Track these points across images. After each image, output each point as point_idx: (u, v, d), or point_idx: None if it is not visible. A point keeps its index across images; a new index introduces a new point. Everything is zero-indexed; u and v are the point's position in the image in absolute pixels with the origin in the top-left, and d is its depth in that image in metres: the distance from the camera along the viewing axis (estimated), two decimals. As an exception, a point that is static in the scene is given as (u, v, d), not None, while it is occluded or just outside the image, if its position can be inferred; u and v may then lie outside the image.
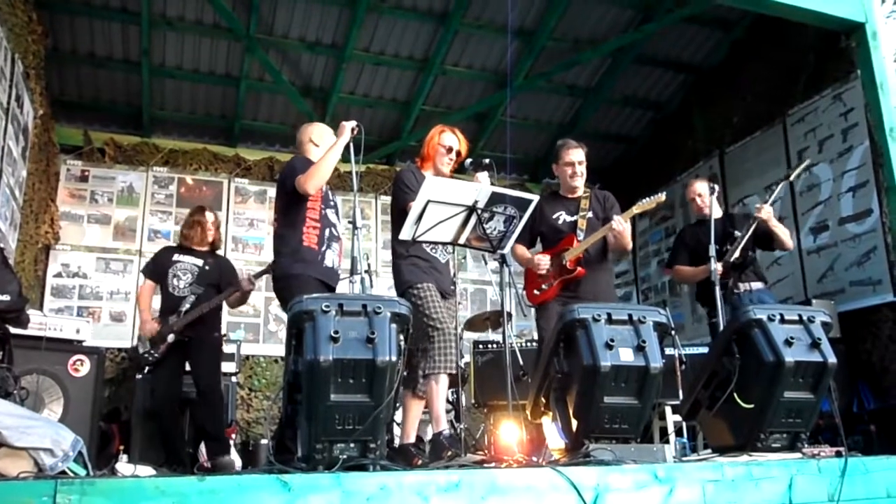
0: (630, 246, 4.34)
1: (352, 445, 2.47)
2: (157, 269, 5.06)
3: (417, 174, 3.93)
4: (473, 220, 3.34)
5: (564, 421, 2.97)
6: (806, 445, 3.06)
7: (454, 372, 3.69)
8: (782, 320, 2.97)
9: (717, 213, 4.84)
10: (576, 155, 4.32)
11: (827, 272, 5.87)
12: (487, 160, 3.83)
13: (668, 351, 3.06)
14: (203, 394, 4.83)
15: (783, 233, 4.83)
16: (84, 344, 4.97)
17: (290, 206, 3.89)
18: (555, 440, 3.20)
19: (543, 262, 4.17)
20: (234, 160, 7.56)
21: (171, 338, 4.78)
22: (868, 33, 4.81)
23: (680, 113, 7.76)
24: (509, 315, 4.82)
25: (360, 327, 2.46)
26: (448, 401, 5.59)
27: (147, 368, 4.91)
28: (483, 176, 3.76)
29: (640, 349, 2.83)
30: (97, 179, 7.06)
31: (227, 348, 5.71)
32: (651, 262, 8.07)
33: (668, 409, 5.24)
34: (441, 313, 3.68)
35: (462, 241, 3.45)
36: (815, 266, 5.99)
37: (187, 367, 4.94)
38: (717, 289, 4.39)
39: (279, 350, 6.83)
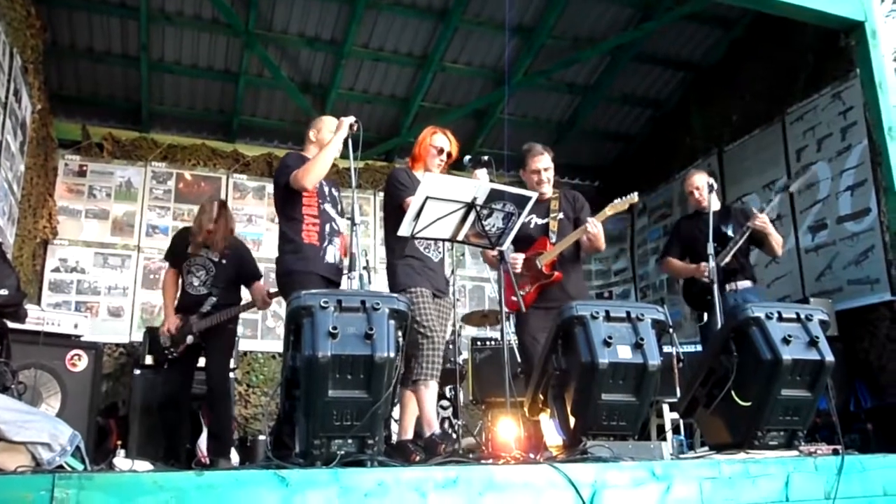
0: (604, 247, 4.22)
1: (350, 441, 2.46)
2: (176, 256, 4.86)
3: (410, 174, 3.94)
4: (472, 216, 3.34)
5: (562, 418, 2.97)
6: (803, 443, 3.07)
7: (439, 378, 3.70)
8: (780, 318, 2.97)
9: (715, 205, 4.83)
10: (542, 162, 4.22)
11: (825, 271, 5.88)
12: (486, 157, 3.84)
13: (666, 349, 3.06)
14: (213, 391, 4.71)
15: (776, 242, 4.77)
16: (82, 339, 4.96)
17: (286, 202, 3.90)
18: (552, 437, 3.20)
19: (519, 259, 4.06)
20: (233, 156, 7.56)
21: (190, 339, 4.66)
22: (867, 32, 4.81)
23: (679, 111, 7.76)
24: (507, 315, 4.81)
25: (358, 323, 2.46)
26: (446, 397, 5.62)
27: (166, 364, 4.80)
28: (482, 173, 3.77)
29: (638, 346, 2.83)
30: (95, 174, 7.05)
31: (227, 344, 5.70)
32: (649, 260, 8.07)
33: (665, 407, 5.25)
34: (431, 320, 3.68)
35: (461, 237, 3.45)
36: (814, 264, 5.99)
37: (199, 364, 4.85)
38: (716, 285, 4.38)
39: (277, 346, 6.83)
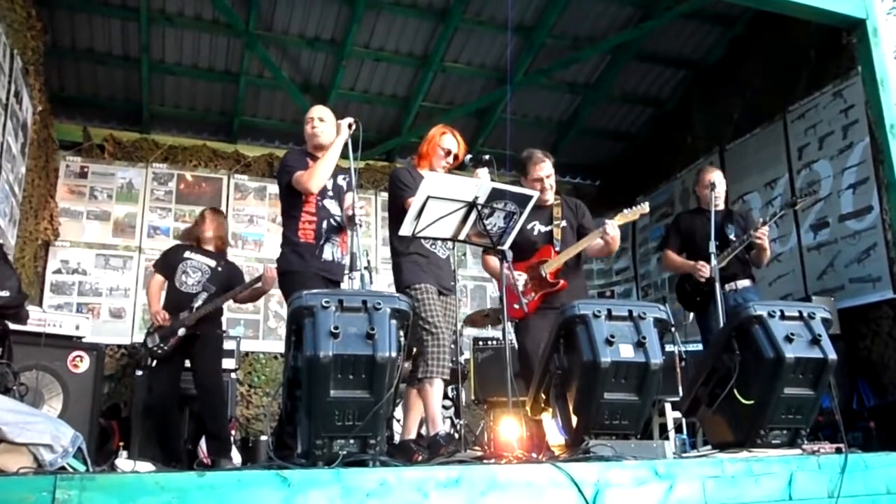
0: (617, 247, 4.17)
1: (351, 441, 2.46)
2: (167, 265, 5.07)
3: (414, 173, 3.93)
4: (473, 215, 3.33)
5: (564, 417, 2.97)
6: (806, 442, 3.06)
7: (447, 377, 3.68)
8: (783, 317, 2.97)
9: (721, 205, 4.82)
10: (544, 170, 4.15)
11: (827, 269, 5.87)
12: (487, 156, 3.84)
13: (668, 348, 3.05)
14: (204, 391, 4.79)
15: (766, 255, 4.78)
16: (83, 340, 4.97)
17: (287, 200, 3.95)
18: (555, 436, 3.20)
19: (521, 280, 3.95)
20: (234, 156, 7.56)
21: (181, 331, 4.76)
22: (869, 30, 4.81)
23: (680, 110, 7.75)
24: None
25: (360, 323, 2.46)
26: (448, 397, 5.61)
27: (154, 363, 4.88)
28: (483, 172, 3.77)
29: (640, 345, 2.83)
30: (96, 176, 7.05)
31: (227, 345, 5.70)
32: (651, 259, 8.06)
33: (667, 406, 5.24)
34: (437, 317, 3.67)
35: (462, 237, 3.44)
36: (816, 263, 5.98)
37: (187, 364, 4.93)
38: (717, 286, 4.37)
39: (279, 346, 6.83)
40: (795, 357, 2.87)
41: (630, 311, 2.92)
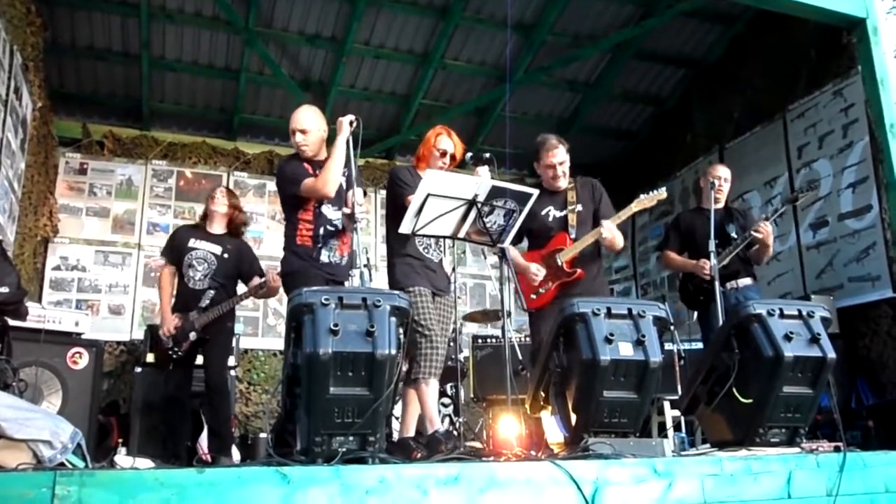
0: (621, 246, 4.13)
1: (351, 439, 2.46)
2: (175, 252, 4.86)
3: (413, 172, 3.93)
4: (473, 213, 3.34)
5: (563, 415, 2.97)
6: (805, 441, 3.06)
7: (439, 375, 3.69)
8: (782, 315, 2.97)
9: (722, 203, 4.81)
10: (557, 156, 4.11)
11: (826, 268, 5.88)
12: (488, 154, 3.83)
13: (667, 346, 3.06)
14: (211, 389, 4.71)
15: (768, 252, 4.75)
16: (83, 337, 4.96)
17: (286, 206, 3.96)
18: (554, 434, 3.20)
19: (540, 274, 4.00)
20: (234, 153, 7.56)
21: (193, 335, 4.66)
22: (869, 29, 4.82)
23: (680, 108, 7.75)
24: (508, 313, 4.81)
25: (359, 320, 2.46)
26: (447, 395, 5.61)
27: (171, 366, 4.77)
28: (483, 170, 3.76)
29: (639, 343, 2.83)
30: (96, 172, 7.05)
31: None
32: (650, 258, 8.07)
33: (666, 405, 5.24)
34: (430, 319, 3.68)
35: (462, 234, 3.44)
36: (815, 262, 5.99)
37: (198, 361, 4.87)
38: (717, 281, 4.36)
39: (278, 344, 6.83)
40: (794, 356, 2.87)
41: (629, 310, 2.92)
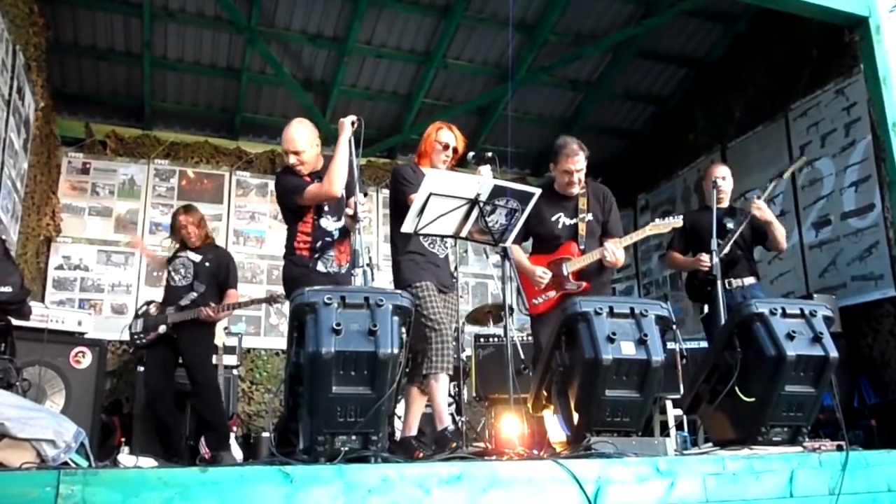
0: (622, 264, 4.10)
1: (353, 438, 2.47)
2: (168, 260, 5.29)
3: (416, 170, 3.92)
4: (475, 213, 3.34)
5: (566, 414, 2.97)
6: (807, 440, 3.06)
7: (451, 372, 3.70)
8: (784, 314, 2.97)
9: (725, 203, 4.80)
10: (576, 164, 3.98)
11: (829, 267, 5.87)
12: (490, 154, 3.83)
13: (669, 345, 3.05)
14: (198, 386, 4.94)
15: (779, 230, 4.67)
16: (86, 336, 4.98)
17: (286, 215, 3.98)
18: (556, 433, 3.20)
19: (545, 278, 3.96)
20: (236, 153, 7.56)
21: (162, 328, 4.91)
22: (871, 28, 4.81)
23: (682, 107, 7.74)
24: (511, 309, 4.80)
25: (362, 320, 2.46)
26: (449, 394, 5.61)
27: (140, 354, 5.12)
28: (485, 169, 3.76)
29: (641, 342, 2.83)
30: (98, 172, 7.06)
31: (229, 341, 5.74)
32: (652, 257, 8.06)
33: (668, 404, 5.24)
34: (439, 313, 3.68)
35: (464, 234, 3.44)
36: (817, 261, 5.98)
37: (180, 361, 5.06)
38: (719, 282, 4.34)
39: (280, 343, 6.84)
40: (797, 355, 2.87)
41: (632, 309, 2.92)
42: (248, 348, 6.86)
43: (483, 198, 3.30)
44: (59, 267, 6.72)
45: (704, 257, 4.59)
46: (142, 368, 5.54)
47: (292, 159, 3.85)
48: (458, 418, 5.27)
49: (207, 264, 5.15)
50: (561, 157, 4.05)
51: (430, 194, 3.19)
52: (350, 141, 3.71)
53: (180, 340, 4.94)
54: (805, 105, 6.20)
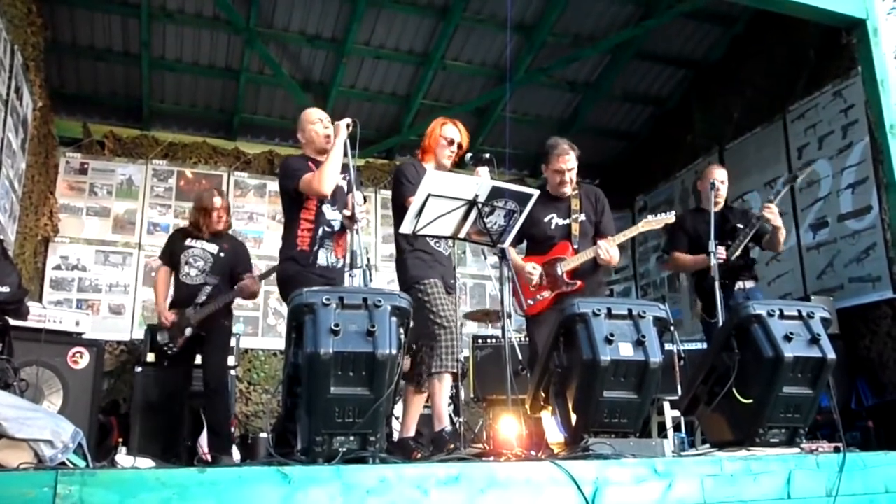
0: (616, 264, 4.12)
1: (351, 438, 2.47)
2: (171, 253, 4.97)
3: (419, 167, 3.90)
4: (474, 214, 3.34)
5: (563, 415, 2.97)
6: (805, 441, 3.07)
7: (456, 371, 3.69)
8: (782, 316, 2.97)
9: (719, 206, 4.80)
10: (568, 162, 4.06)
11: (826, 269, 5.88)
12: (488, 155, 3.82)
13: (667, 347, 3.06)
14: (210, 387, 4.73)
15: (782, 234, 4.67)
16: (83, 336, 4.97)
17: (289, 206, 3.93)
18: (554, 434, 3.20)
19: (535, 273, 3.99)
20: (234, 153, 7.55)
21: (188, 331, 4.72)
22: (869, 30, 4.83)
23: (680, 109, 7.76)
24: (509, 314, 4.80)
25: (360, 320, 2.46)
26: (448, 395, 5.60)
27: (166, 362, 4.84)
28: (483, 170, 3.75)
29: (639, 344, 2.83)
30: (96, 172, 7.06)
31: (228, 341, 5.71)
32: (650, 258, 8.07)
33: (666, 405, 5.25)
34: (448, 311, 3.67)
35: (462, 235, 3.44)
36: (815, 262, 5.99)
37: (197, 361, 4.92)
38: (717, 282, 4.32)
39: (278, 343, 6.84)
40: (794, 356, 2.87)
41: (630, 310, 2.92)
42: (246, 349, 6.86)
43: (481, 199, 3.30)
44: (57, 267, 6.71)
45: (720, 250, 4.52)
46: (139, 369, 5.55)
47: (327, 123, 3.94)
48: (456, 419, 5.28)
49: (223, 255, 4.93)
50: (552, 157, 4.11)
51: (429, 195, 3.19)
52: (346, 143, 3.71)
53: (204, 341, 4.77)
54: (803, 107, 6.21)
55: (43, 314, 4.71)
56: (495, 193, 3.32)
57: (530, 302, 4.07)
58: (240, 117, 7.42)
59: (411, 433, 3.80)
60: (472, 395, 5.91)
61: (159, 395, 5.09)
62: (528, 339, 4.28)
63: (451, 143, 3.93)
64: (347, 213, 3.82)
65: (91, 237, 6.88)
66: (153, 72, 6.79)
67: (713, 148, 7.23)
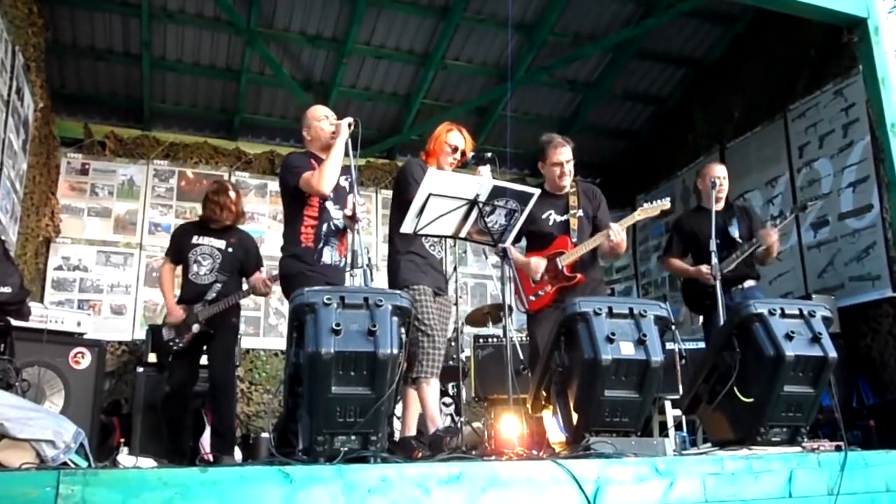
0: (624, 251, 4.15)
1: (353, 438, 2.47)
2: (177, 250, 4.91)
3: (425, 167, 3.90)
4: (475, 213, 3.34)
5: (565, 414, 2.97)
6: (806, 440, 3.07)
7: (437, 375, 3.70)
8: (783, 314, 2.97)
9: (720, 204, 4.79)
10: (564, 154, 4.15)
11: (827, 267, 5.88)
12: (489, 154, 3.84)
13: (668, 346, 3.06)
14: (216, 387, 4.72)
15: (773, 256, 4.75)
16: (85, 337, 4.97)
17: (290, 202, 3.91)
18: (555, 434, 3.21)
19: (540, 267, 4.04)
20: (235, 154, 7.56)
21: (196, 328, 4.70)
22: (870, 28, 4.83)
23: (681, 108, 7.76)
24: (510, 308, 4.80)
25: (361, 320, 2.46)
26: (449, 395, 5.61)
27: (171, 358, 4.81)
28: (485, 170, 3.77)
29: (640, 343, 2.83)
30: (97, 172, 7.06)
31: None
32: (651, 257, 8.07)
33: (667, 404, 5.25)
34: (433, 318, 3.69)
35: (463, 234, 3.45)
36: (816, 261, 5.99)
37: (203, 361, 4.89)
38: (719, 287, 4.29)
39: (279, 344, 6.84)
40: (795, 355, 2.87)
41: (631, 309, 2.92)
42: (248, 349, 6.86)
43: (482, 198, 3.30)
44: (59, 268, 6.71)
45: (707, 269, 4.53)
46: (140, 369, 5.55)
47: (333, 119, 3.95)
48: (457, 419, 5.28)
49: (231, 250, 4.86)
50: (549, 151, 4.19)
51: (430, 195, 3.20)
52: (347, 143, 3.71)
53: (210, 339, 4.74)
54: (804, 106, 6.21)
55: (45, 315, 4.72)
56: (496, 193, 3.33)
57: (532, 298, 4.09)
58: (241, 117, 7.42)
59: (412, 432, 3.81)
60: (473, 395, 5.91)
61: (163, 393, 5.06)
62: (528, 337, 4.29)
63: (455, 150, 3.96)
64: (348, 212, 3.82)
65: (92, 238, 6.88)
66: (154, 72, 6.79)
67: (714, 147, 7.23)
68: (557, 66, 7.14)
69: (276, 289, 4.65)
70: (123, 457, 4.50)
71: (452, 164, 3.97)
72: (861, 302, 5.55)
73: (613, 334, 2.80)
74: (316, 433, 2.44)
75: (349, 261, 3.80)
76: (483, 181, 3.35)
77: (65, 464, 2.47)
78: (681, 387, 4.67)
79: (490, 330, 6.24)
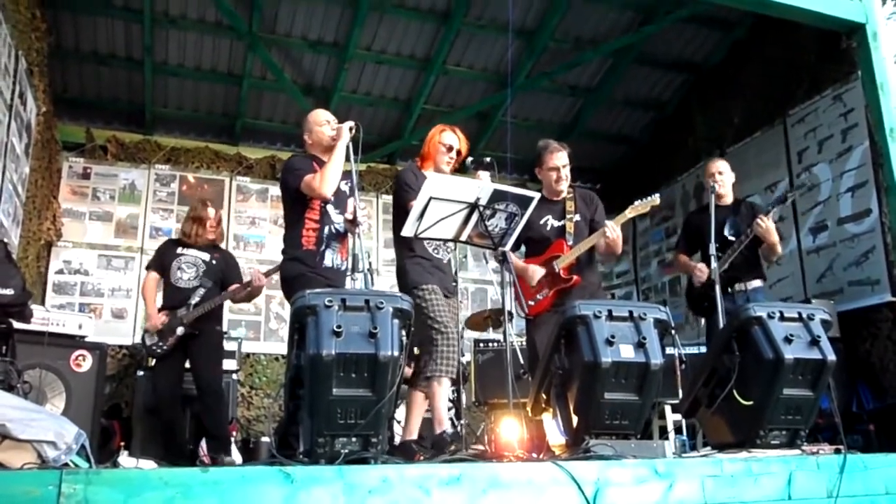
0: (620, 250, 4.19)
1: (354, 440, 2.47)
2: (160, 263, 5.08)
3: (418, 173, 3.94)
4: (475, 217, 3.35)
5: (565, 417, 2.98)
6: (805, 444, 3.07)
7: (454, 377, 3.71)
8: (782, 318, 2.98)
9: (728, 199, 4.80)
10: (560, 159, 4.22)
11: (826, 272, 5.89)
12: (489, 159, 3.85)
13: (668, 350, 3.07)
14: (203, 391, 4.83)
15: (775, 248, 4.62)
16: (86, 339, 4.98)
17: (292, 205, 3.91)
18: (555, 437, 3.21)
19: (538, 273, 4.08)
20: (236, 158, 7.58)
21: (180, 330, 4.79)
22: (868, 34, 4.83)
23: (681, 113, 7.78)
24: (510, 314, 4.82)
25: (362, 322, 2.47)
26: (449, 399, 5.61)
27: (154, 362, 4.91)
28: (485, 175, 3.78)
29: (640, 346, 2.84)
30: (99, 177, 7.08)
31: (228, 346, 5.72)
32: (651, 263, 8.08)
33: (667, 408, 5.25)
34: (445, 316, 3.70)
35: (464, 238, 3.46)
36: (815, 266, 6.00)
37: (188, 365, 4.95)
38: (718, 288, 4.32)
39: (280, 348, 6.85)
40: (795, 358, 2.88)
41: (630, 312, 2.93)
42: (248, 353, 6.86)
43: (483, 202, 3.32)
44: (60, 271, 6.73)
45: (702, 269, 4.59)
46: (141, 373, 5.56)
47: (335, 124, 3.97)
48: (457, 423, 5.28)
49: (215, 262, 5.08)
50: (545, 156, 4.25)
51: (430, 198, 3.21)
52: (348, 147, 3.72)
53: (194, 339, 4.82)
54: (803, 111, 6.23)
55: (46, 317, 4.73)
56: (496, 196, 3.34)
57: (531, 302, 4.12)
58: (242, 122, 7.45)
59: (414, 436, 3.81)
60: (473, 399, 5.92)
61: (152, 400, 5.10)
62: (526, 341, 4.31)
63: (450, 149, 3.97)
64: (349, 216, 3.83)
65: (94, 241, 6.91)
66: (156, 77, 6.82)
67: (714, 152, 7.23)
68: (558, 71, 7.17)
69: (277, 293, 4.68)
70: (124, 459, 4.50)
71: (449, 163, 3.98)
72: (860, 306, 5.55)
73: (613, 337, 2.81)
74: (317, 435, 2.45)
75: (350, 264, 3.82)
76: (483, 185, 3.36)
77: (66, 465, 2.47)
78: (680, 391, 4.68)
79: (490, 334, 6.25)
